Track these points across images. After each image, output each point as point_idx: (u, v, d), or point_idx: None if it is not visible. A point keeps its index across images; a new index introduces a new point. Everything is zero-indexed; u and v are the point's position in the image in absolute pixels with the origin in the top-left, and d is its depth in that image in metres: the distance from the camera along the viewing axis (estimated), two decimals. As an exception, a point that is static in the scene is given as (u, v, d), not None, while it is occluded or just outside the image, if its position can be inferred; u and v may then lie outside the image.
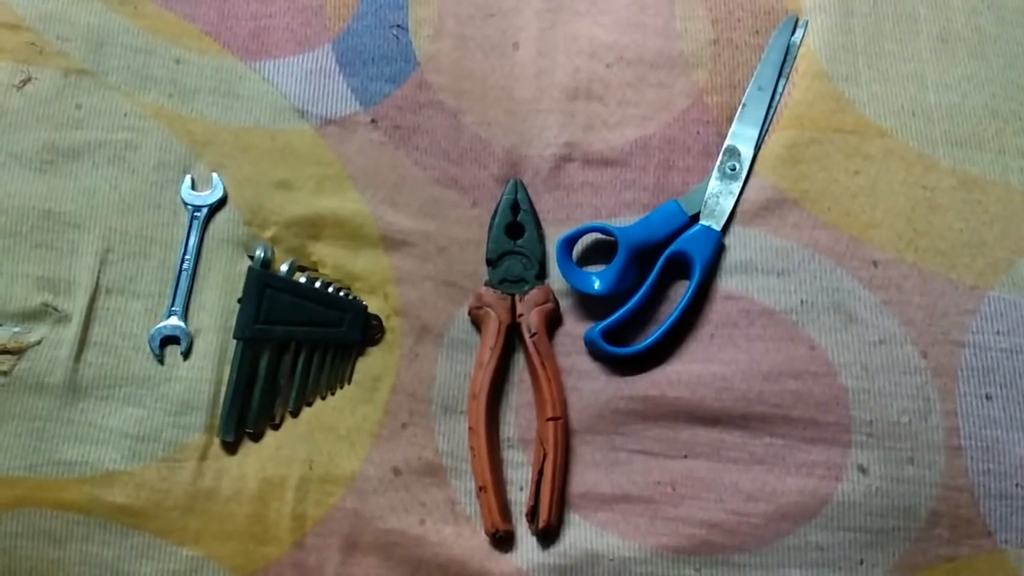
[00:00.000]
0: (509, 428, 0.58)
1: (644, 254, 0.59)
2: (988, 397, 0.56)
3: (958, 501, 0.54)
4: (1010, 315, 0.57)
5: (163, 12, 0.64)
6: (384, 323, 0.59)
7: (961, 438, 0.55)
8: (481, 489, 0.55)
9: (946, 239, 0.59)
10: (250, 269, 0.58)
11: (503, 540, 0.55)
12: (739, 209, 0.60)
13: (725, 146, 0.61)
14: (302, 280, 0.59)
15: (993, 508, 0.54)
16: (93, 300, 0.58)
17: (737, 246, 0.59)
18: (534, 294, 0.59)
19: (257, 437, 0.57)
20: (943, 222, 0.59)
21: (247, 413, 0.57)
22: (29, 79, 0.61)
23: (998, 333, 0.57)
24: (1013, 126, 0.61)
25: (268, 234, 0.60)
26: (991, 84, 0.62)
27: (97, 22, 0.63)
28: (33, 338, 0.57)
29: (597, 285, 0.58)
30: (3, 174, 0.59)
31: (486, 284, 0.59)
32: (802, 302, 0.58)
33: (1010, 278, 0.58)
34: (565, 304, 0.60)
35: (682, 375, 0.57)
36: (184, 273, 0.59)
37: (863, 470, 0.55)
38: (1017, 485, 0.54)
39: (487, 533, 0.55)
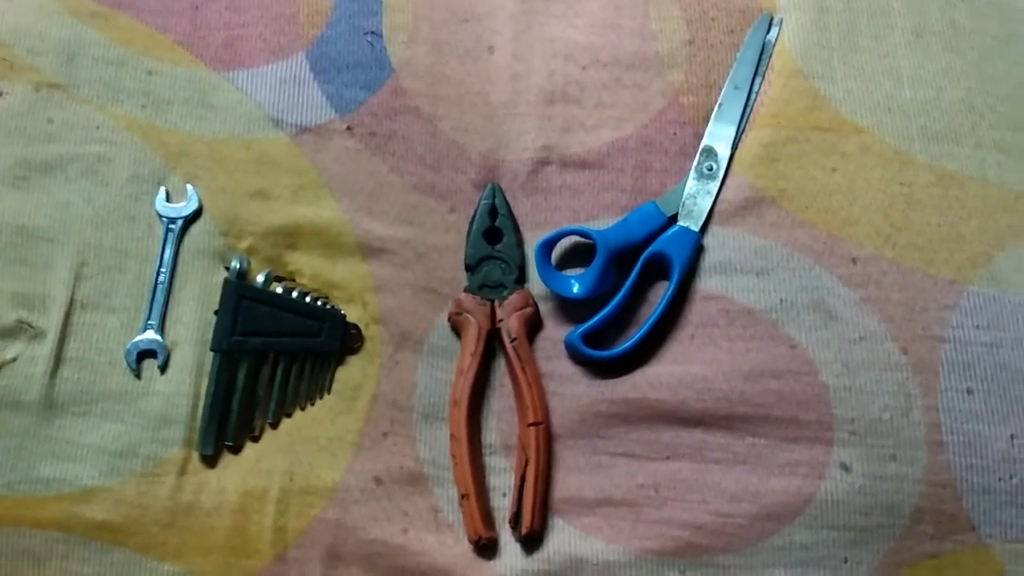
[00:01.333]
0: (491, 434, 0.57)
1: (623, 256, 0.59)
2: (969, 391, 0.56)
3: (941, 497, 0.54)
4: (989, 309, 0.57)
5: (135, 23, 0.64)
6: (363, 331, 0.59)
7: (943, 433, 0.55)
8: (463, 497, 0.55)
9: (924, 235, 0.59)
10: (226, 281, 0.58)
11: (486, 547, 0.55)
12: (717, 209, 0.60)
13: (702, 146, 0.61)
14: (279, 290, 0.58)
15: (976, 503, 0.54)
16: (68, 315, 0.57)
17: (716, 246, 0.59)
18: (513, 299, 0.59)
19: (236, 450, 0.56)
20: (921, 218, 0.59)
21: (226, 426, 0.56)
22: (0, 94, 0.61)
23: (978, 327, 0.57)
24: (989, 120, 0.61)
25: (244, 245, 0.60)
26: (966, 78, 0.62)
27: (68, 35, 0.63)
28: (8, 355, 0.56)
29: (576, 288, 0.58)
30: (-25, 190, 0.59)
31: (465, 290, 0.59)
32: (782, 301, 0.57)
33: (989, 272, 0.58)
34: (545, 308, 0.59)
35: (663, 377, 0.57)
36: (160, 286, 0.58)
37: (846, 468, 0.55)
38: (1000, 479, 0.54)
39: (470, 541, 0.54)
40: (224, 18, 0.64)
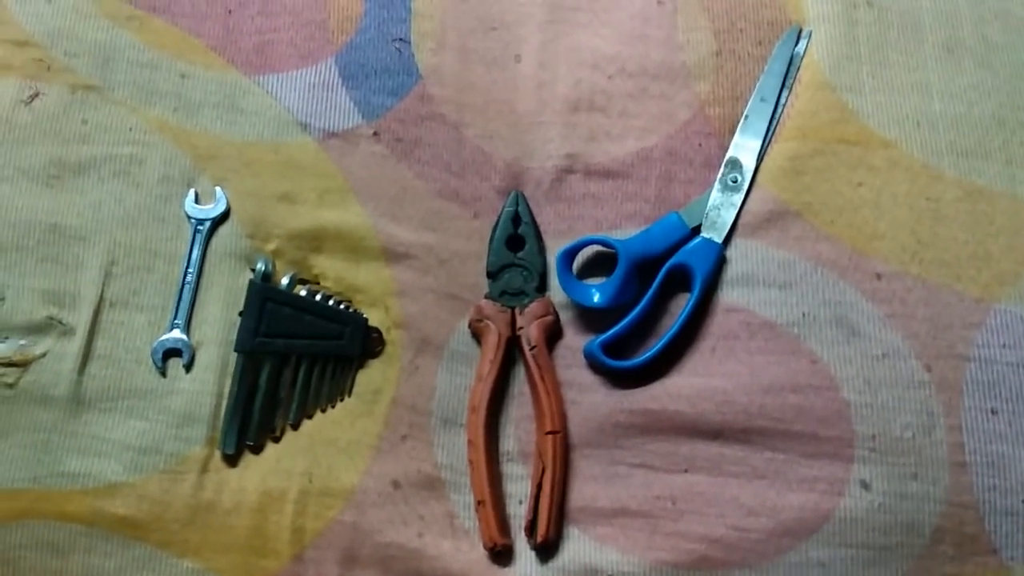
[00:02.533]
0: (509, 441, 0.58)
1: (645, 266, 0.59)
2: (994, 411, 0.55)
3: (963, 518, 0.53)
4: (1016, 328, 0.56)
5: (169, 28, 0.65)
6: (384, 336, 0.59)
7: (966, 453, 0.54)
8: (480, 503, 0.55)
9: (951, 251, 0.58)
10: (251, 283, 0.58)
11: (501, 554, 0.55)
12: (741, 221, 0.60)
13: (727, 158, 0.61)
14: (303, 293, 0.59)
15: (999, 525, 0.53)
16: (97, 313, 0.58)
17: (739, 258, 0.59)
18: (534, 307, 0.59)
19: (258, 450, 0.57)
20: (948, 234, 0.58)
21: (248, 426, 0.57)
22: (37, 95, 0.62)
23: (1004, 346, 0.56)
24: (1020, 136, 0.61)
25: (270, 247, 0.60)
26: (998, 93, 0.62)
27: (104, 38, 0.64)
28: (38, 351, 0.57)
29: (597, 298, 0.58)
30: (10, 188, 0.60)
31: (486, 297, 0.59)
32: (804, 315, 0.57)
33: (1017, 291, 0.57)
34: (565, 317, 0.60)
35: (683, 389, 0.57)
36: (187, 286, 0.59)
37: (866, 486, 0.54)
38: (1023, 501, 0.54)
39: (485, 547, 0.55)
40: (256, 23, 0.65)
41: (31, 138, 0.61)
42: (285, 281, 0.59)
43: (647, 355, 0.57)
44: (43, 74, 0.63)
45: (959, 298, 0.57)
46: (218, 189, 0.61)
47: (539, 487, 0.55)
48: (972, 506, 0.53)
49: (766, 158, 0.61)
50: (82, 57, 0.63)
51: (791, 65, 0.63)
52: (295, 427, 0.58)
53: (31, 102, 0.62)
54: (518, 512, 0.56)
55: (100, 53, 0.64)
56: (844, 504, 0.54)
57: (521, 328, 0.58)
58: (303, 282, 0.60)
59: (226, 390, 0.57)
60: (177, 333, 0.58)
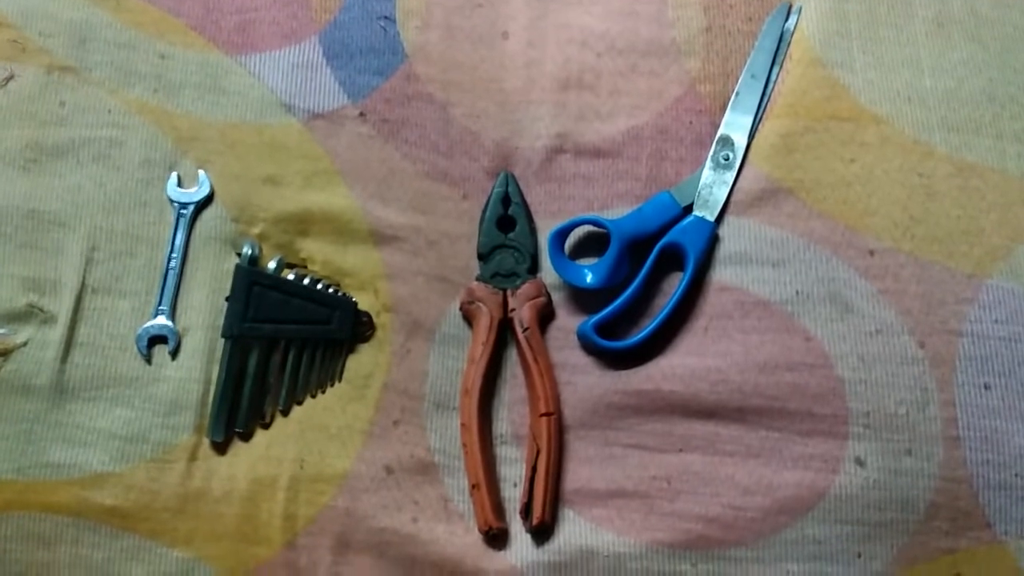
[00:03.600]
0: (502, 424, 0.57)
1: (637, 246, 0.58)
2: (987, 387, 0.55)
3: (957, 493, 0.54)
4: (1008, 303, 0.56)
5: (147, 7, 0.63)
6: (374, 319, 0.58)
7: (959, 428, 0.54)
8: (474, 486, 0.54)
9: (943, 227, 0.58)
10: (237, 267, 0.57)
11: (497, 538, 0.54)
12: (733, 199, 0.59)
13: (718, 135, 0.60)
14: (290, 277, 0.58)
15: (992, 499, 0.54)
16: (79, 300, 0.57)
17: (731, 237, 0.58)
18: (526, 288, 0.58)
19: (247, 437, 0.56)
20: (940, 210, 0.58)
21: (236, 413, 0.56)
22: (12, 76, 0.61)
23: (996, 321, 0.56)
24: (1011, 111, 0.60)
25: (256, 231, 0.59)
26: (988, 68, 0.61)
27: (80, 17, 0.62)
28: (19, 339, 0.56)
29: (590, 278, 0.58)
30: (-14, 173, 0.59)
31: (477, 279, 0.59)
32: (797, 293, 0.57)
33: (1008, 266, 0.57)
34: (557, 298, 0.59)
35: (676, 368, 0.56)
36: (171, 272, 0.58)
37: (860, 462, 0.54)
38: (1016, 475, 0.54)
39: (480, 531, 0.54)
40: (237, 2, 0.64)
41: (7, 121, 0.60)
42: (272, 265, 0.58)
43: (641, 335, 0.56)
44: (18, 55, 0.61)
45: (951, 274, 0.57)
46: (201, 172, 0.60)
47: (534, 469, 0.54)
48: (966, 481, 0.54)
49: (757, 135, 0.60)
50: (58, 37, 0.62)
51: (781, 41, 0.62)
52: (285, 413, 0.57)
53: (6, 84, 0.60)
54: (513, 495, 0.56)
55: (76, 33, 0.62)
56: (839, 481, 0.54)
57: (513, 310, 0.58)
58: (290, 266, 0.59)
59: (214, 377, 0.56)
60: (162, 319, 0.57)
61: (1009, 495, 0.54)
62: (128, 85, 0.61)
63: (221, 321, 0.57)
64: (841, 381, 0.55)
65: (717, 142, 0.60)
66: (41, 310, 0.57)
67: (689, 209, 0.59)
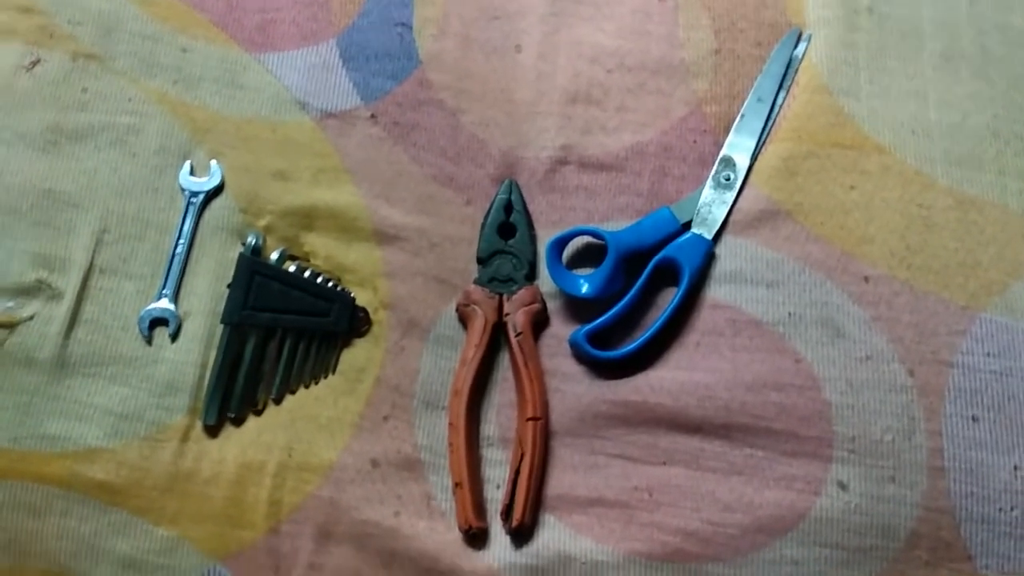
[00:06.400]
0: (490, 426, 0.58)
1: (634, 259, 0.59)
2: (974, 419, 0.55)
3: (939, 523, 0.53)
4: (1001, 337, 0.56)
5: (173, 1, 0.65)
6: (371, 316, 0.59)
7: (945, 459, 0.54)
8: (457, 485, 0.55)
9: (940, 258, 0.58)
10: (240, 256, 0.59)
11: (476, 537, 0.55)
12: (732, 219, 0.60)
13: (721, 156, 0.61)
14: (292, 269, 0.59)
15: (975, 532, 0.53)
16: (86, 279, 0.58)
17: (728, 256, 0.59)
18: (522, 294, 0.59)
19: (239, 422, 0.57)
20: (938, 241, 0.58)
21: (230, 398, 0.57)
22: (38, 61, 0.63)
23: (988, 355, 0.56)
24: (1014, 147, 0.61)
25: (262, 223, 0.61)
26: (993, 104, 0.62)
27: (108, 8, 0.64)
28: (25, 313, 0.58)
29: (585, 288, 0.58)
30: (7, 152, 0.60)
31: (475, 282, 0.59)
32: (790, 314, 0.57)
33: (1003, 300, 0.57)
34: (552, 306, 0.60)
35: (665, 382, 0.57)
36: (177, 257, 0.59)
37: (843, 486, 0.54)
38: (1000, 510, 0.54)
39: (461, 529, 0.55)
40: (259, 1, 0.66)
41: (30, 104, 0.62)
42: (275, 256, 0.59)
43: (631, 347, 0.57)
44: (45, 41, 0.63)
45: (945, 305, 0.57)
46: (213, 163, 0.61)
47: (517, 472, 0.55)
48: (949, 512, 0.53)
49: (760, 158, 0.61)
50: (85, 26, 0.64)
51: (789, 67, 0.63)
52: (277, 402, 0.58)
53: (32, 68, 0.62)
54: (495, 496, 0.56)
55: (103, 23, 0.64)
56: (820, 504, 0.54)
57: (508, 314, 0.58)
58: (293, 258, 0.60)
59: (210, 361, 0.58)
60: (165, 303, 0.59)
61: (992, 529, 0.53)
62: (149, 75, 0.63)
63: (222, 308, 0.58)
64: (828, 404, 0.55)
65: (719, 162, 0.61)
66: (49, 286, 0.58)
67: (688, 226, 0.60)
